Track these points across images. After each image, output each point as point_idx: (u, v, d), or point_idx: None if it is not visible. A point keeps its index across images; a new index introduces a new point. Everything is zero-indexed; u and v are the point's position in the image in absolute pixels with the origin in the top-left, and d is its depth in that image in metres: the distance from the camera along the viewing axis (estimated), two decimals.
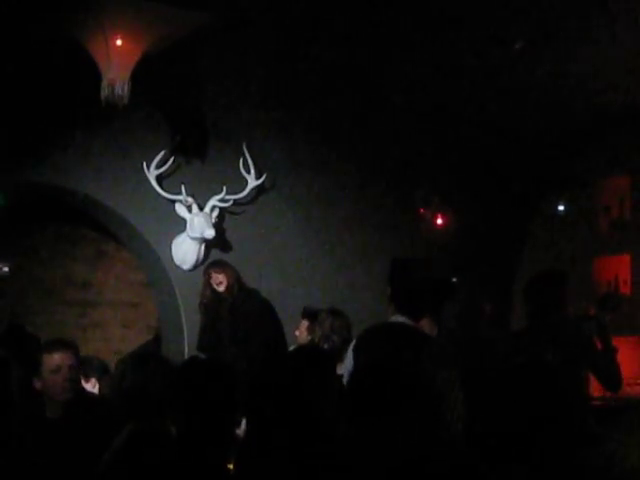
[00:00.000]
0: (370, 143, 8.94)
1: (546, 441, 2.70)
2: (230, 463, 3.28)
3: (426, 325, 4.68)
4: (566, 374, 4.34)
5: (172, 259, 8.21)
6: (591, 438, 2.83)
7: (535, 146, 9.17)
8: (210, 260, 8.20)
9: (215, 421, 3.27)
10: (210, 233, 7.95)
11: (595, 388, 7.44)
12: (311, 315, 6.82)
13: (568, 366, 5.04)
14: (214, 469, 3.21)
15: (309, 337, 6.73)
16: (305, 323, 7.03)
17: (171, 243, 8.19)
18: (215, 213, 8.18)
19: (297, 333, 7.28)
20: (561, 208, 9.60)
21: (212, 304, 7.96)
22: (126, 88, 6.71)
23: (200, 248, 8.14)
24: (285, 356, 4.55)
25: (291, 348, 7.01)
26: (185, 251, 8.15)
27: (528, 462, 2.67)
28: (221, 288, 7.91)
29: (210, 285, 7.94)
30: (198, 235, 7.99)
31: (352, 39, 7.63)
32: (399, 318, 4.40)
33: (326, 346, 5.94)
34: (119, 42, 6.69)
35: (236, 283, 7.95)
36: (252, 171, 8.31)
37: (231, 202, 8.30)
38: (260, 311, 8.02)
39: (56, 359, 4.39)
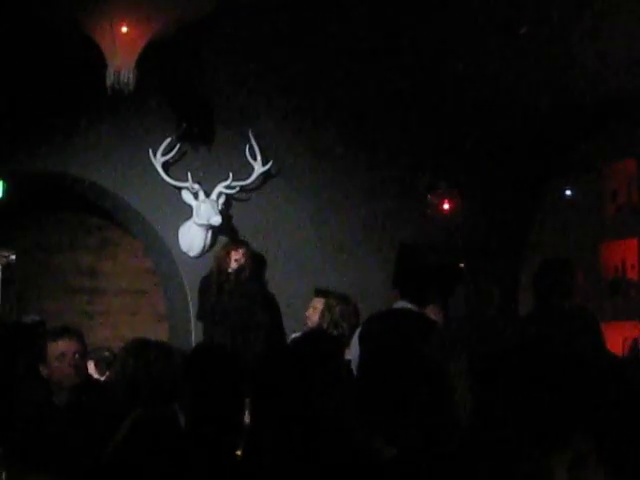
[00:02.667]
0: (376, 129, 8.90)
1: (549, 426, 2.70)
2: (238, 450, 3.28)
3: (432, 311, 4.67)
4: (569, 360, 4.33)
5: (179, 246, 8.22)
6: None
7: (542, 130, 9.13)
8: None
9: (223, 409, 3.27)
10: (217, 220, 7.95)
11: None
12: (324, 293, 6.73)
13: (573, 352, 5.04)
14: (222, 456, 3.21)
15: (319, 321, 6.62)
16: (319, 300, 6.85)
17: (178, 230, 8.20)
18: (221, 200, 8.18)
19: (307, 314, 7.13)
20: (568, 193, 9.57)
21: (218, 278, 7.91)
22: (132, 75, 6.71)
23: (207, 235, 8.14)
24: (293, 340, 4.54)
25: (302, 329, 6.94)
26: (192, 238, 8.15)
27: (534, 446, 2.66)
28: (233, 266, 7.84)
29: (228, 260, 7.88)
30: (205, 222, 7.99)
31: (357, 24, 7.60)
32: (405, 304, 4.38)
33: (335, 333, 5.92)
34: (124, 29, 6.69)
35: (247, 269, 7.90)
36: (258, 157, 8.29)
37: (237, 189, 8.29)
38: (255, 300, 8.00)
39: (61, 346, 4.40)
